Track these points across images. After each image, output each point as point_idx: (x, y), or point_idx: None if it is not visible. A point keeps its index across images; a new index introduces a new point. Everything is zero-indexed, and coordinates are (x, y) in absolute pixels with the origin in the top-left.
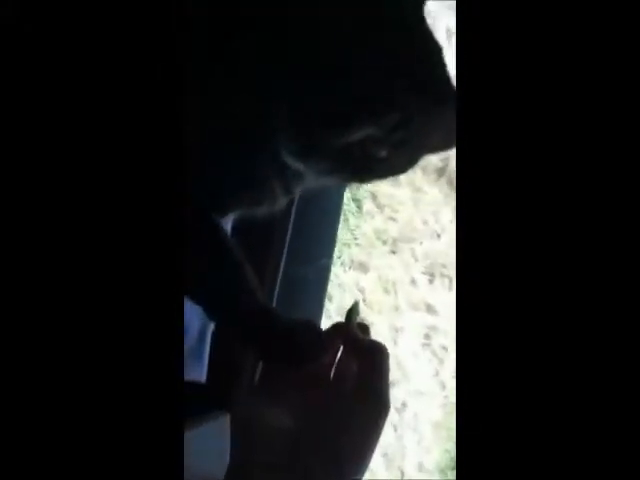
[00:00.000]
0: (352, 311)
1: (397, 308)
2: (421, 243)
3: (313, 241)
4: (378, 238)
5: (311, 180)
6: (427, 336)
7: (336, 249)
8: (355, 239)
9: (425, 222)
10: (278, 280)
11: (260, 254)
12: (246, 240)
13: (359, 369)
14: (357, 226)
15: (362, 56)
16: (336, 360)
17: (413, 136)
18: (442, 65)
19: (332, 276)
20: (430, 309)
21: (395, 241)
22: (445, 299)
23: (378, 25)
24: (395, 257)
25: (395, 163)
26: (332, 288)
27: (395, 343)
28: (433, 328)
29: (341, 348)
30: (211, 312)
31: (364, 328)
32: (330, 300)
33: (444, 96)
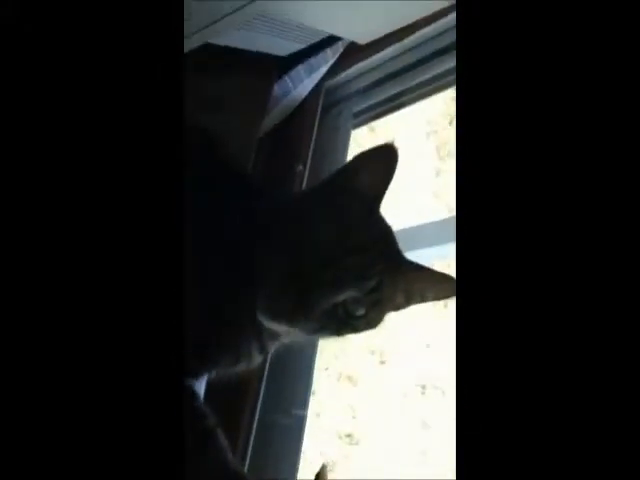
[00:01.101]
0: (319, 476)
1: (389, 424)
2: (410, 354)
3: (288, 391)
4: (366, 349)
5: (285, 338)
6: (423, 452)
7: (324, 360)
8: (343, 350)
9: (413, 332)
10: (253, 429)
11: (236, 403)
12: (222, 389)
13: None
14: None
15: (345, 245)
16: None
17: (384, 296)
18: (395, 242)
19: (320, 388)
20: (424, 425)
21: (383, 352)
22: (439, 412)
23: (355, 225)
24: (384, 368)
25: (370, 319)
26: (320, 403)
27: (390, 464)
28: (428, 445)
29: None
30: None
31: None
32: (319, 416)
33: (401, 263)
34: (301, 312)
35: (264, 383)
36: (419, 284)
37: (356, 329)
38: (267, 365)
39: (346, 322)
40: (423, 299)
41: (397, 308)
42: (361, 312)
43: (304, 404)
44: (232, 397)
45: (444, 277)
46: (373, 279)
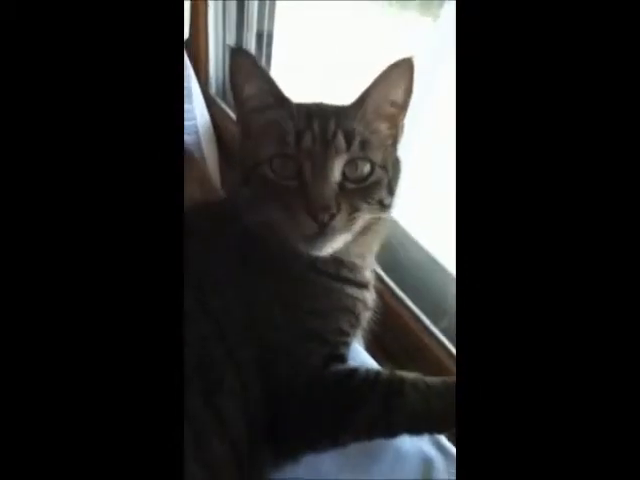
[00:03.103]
0: None
1: None
2: None
3: None
4: None
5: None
6: None
7: None
8: None
9: None
10: None
11: None
12: None
13: None
14: None
15: None
16: None
17: (363, 137)
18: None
19: None
20: None
21: None
22: None
23: None
24: None
25: (377, 166)
26: None
27: None
28: None
29: None
30: None
31: None
32: None
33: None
34: (328, 209)
35: None
36: (375, 100)
37: (380, 188)
38: None
39: (368, 186)
40: (393, 104)
41: (387, 138)
42: (367, 168)
43: None
44: None
45: (390, 70)
46: (338, 134)
